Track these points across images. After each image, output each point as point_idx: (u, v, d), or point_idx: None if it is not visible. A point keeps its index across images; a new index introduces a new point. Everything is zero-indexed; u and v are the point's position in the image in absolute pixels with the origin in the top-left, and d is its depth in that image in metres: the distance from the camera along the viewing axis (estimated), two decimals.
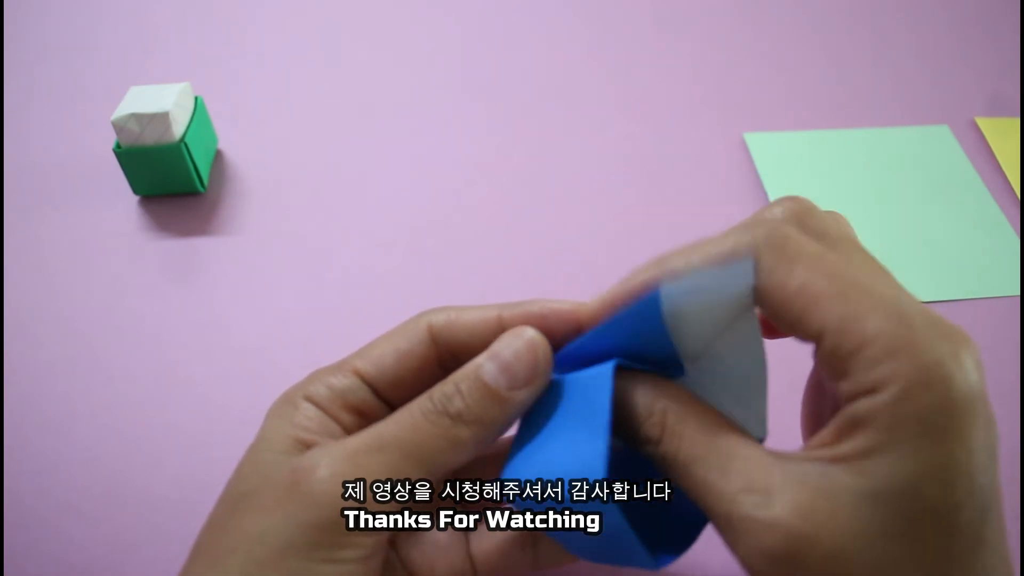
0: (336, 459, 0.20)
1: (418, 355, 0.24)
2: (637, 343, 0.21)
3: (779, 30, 0.54)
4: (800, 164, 0.44)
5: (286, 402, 0.23)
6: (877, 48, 0.52)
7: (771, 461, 0.19)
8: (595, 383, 0.21)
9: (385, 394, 0.24)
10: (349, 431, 0.23)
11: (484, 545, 0.24)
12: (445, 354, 0.24)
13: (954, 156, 0.45)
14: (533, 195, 0.42)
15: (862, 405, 0.17)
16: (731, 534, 0.18)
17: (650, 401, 0.21)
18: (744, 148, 0.45)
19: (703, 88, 0.49)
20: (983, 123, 0.47)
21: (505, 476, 0.23)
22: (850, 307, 0.18)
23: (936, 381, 0.17)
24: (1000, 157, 0.44)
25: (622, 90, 0.49)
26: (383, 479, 0.20)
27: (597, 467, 0.20)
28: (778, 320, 0.19)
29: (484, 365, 0.22)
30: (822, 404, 0.23)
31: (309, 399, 0.23)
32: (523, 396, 0.22)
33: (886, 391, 0.17)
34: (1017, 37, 0.53)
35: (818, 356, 0.19)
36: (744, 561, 0.18)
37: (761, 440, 0.21)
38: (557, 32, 0.53)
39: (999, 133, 0.46)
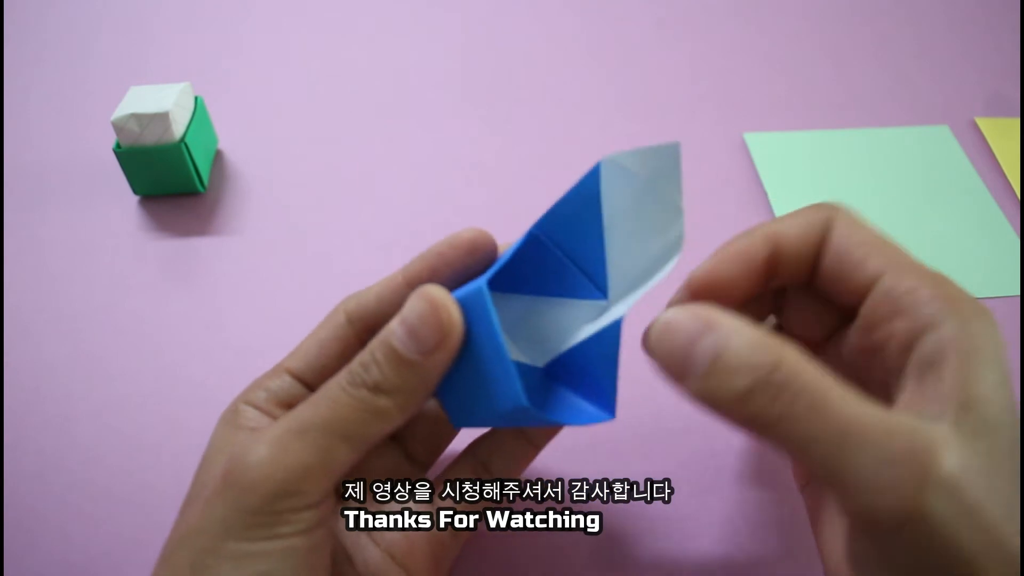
0: (262, 444, 0.21)
1: (337, 339, 0.25)
2: (569, 235, 0.23)
3: (779, 30, 0.54)
4: (800, 164, 0.44)
5: (231, 410, 0.24)
6: (877, 48, 0.52)
7: (885, 421, 0.18)
8: (475, 302, 0.21)
9: (315, 386, 0.25)
10: None
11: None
12: (363, 332, 0.25)
13: (954, 156, 0.45)
14: (533, 195, 0.42)
15: (929, 343, 0.19)
16: (888, 467, 0.17)
17: (756, 331, 0.19)
18: (744, 148, 0.45)
19: (703, 88, 0.49)
20: (983, 123, 0.47)
21: (453, 423, 0.23)
22: (902, 262, 0.21)
23: (979, 322, 0.19)
24: (1000, 157, 0.44)
25: (622, 90, 0.49)
26: (317, 461, 0.21)
27: (517, 394, 0.20)
28: (839, 265, 0.22)
29: (395, 330, 0.21)
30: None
31: (249, 404, 0.24)
32: (438, 359, 0.21)
33: (949, 323, 0.19)
34: (1017, 37, 0.53)
35: (868, 300, 0.21)
36: (898, 497, 0.17)
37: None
38: (557, 32, 0.53)
39: (999, 133, 0.46)
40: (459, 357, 0.22)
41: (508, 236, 0.40)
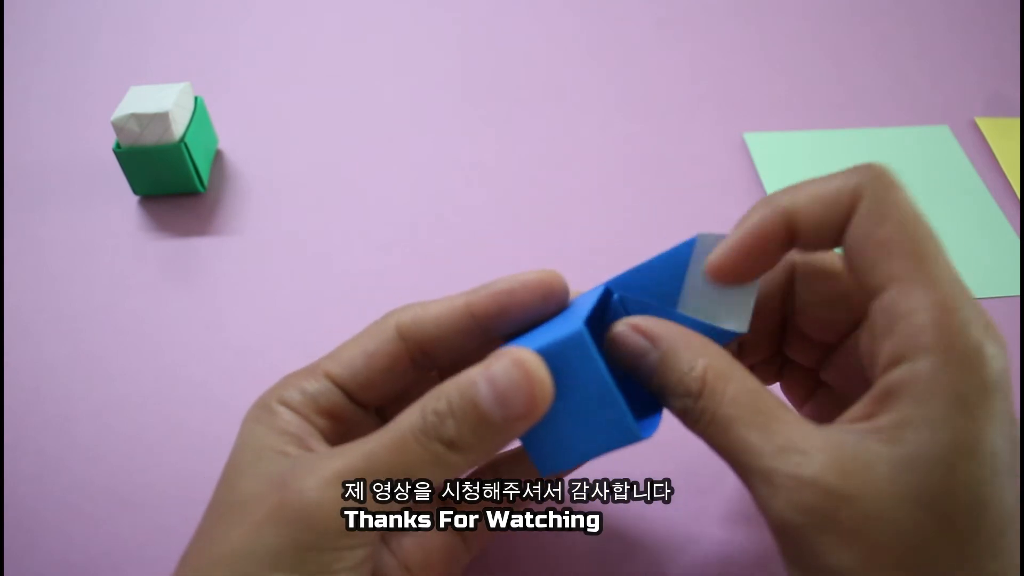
0: (323, 483, 0.20)
1: (387, 354, 0.24)
2: (643, 294, 0.23)
3: (779, 30, 0.54)
4: (800, 164, 0.44)
5: (263, 407, 0.23)
6: (877, 48, 0.52)
7: (810, 426, 0.19)
8: (583, 300, 0.22)
9: (357, 396, 0.24)
10: (326, 436, 0.23)
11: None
12: (416, 351, 0.24)
13: (954, 156, 0.45)
14: (533, 195, 0.42)
15: (898, 374, 0.18)
16: (768, 489, 0.19)
17: (692, 356, 0.21)
18: (744, 148, 0.45)
19: (703, 88, 0.49)
20: (983, 123, 0.47)
21: (541, 470, 0.23)
22: (918, 272, 0.19)
23: (975, 361, 0.18)
24: (1000, 157, 0.44)
25: (622, 90, 0.49)
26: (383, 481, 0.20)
27: (577, 324, 0.20)
28: (853, 260, 0.20)
29: (479, 387, 0.20)
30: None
31: (284, 404, 0.23)
32: (521, 426, 0.20)
33: (924, 360, 0.18)
34: (1017, 37, 0.53)
35: (871, 310, 0.20)
36: (778, 517, 0.19)
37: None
38: (557, 32, 0.53)
39: (999, 133, 0.46)
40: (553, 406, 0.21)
41: (508, 236, 0.40)
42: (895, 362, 0.19)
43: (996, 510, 0.17)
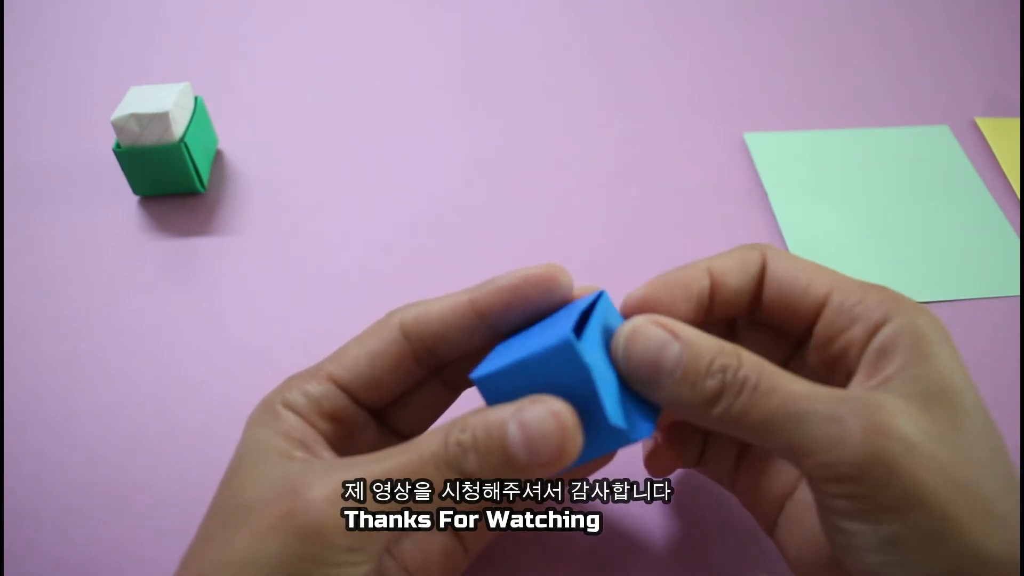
0: (333, 496, 0.20)
1: (392, 354, 0.24)
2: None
3: (779, 30, 0.54)
4: (800, 164, 0.44)
5: (266, 410, 0.23)
6: (877, 48, 0.52)
7: (834, 393, 0.20)
8: (580, 301, 0.23)
9: (361, 398, 0.24)
10: (329, 440, 0.23)
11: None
12: (420, 349, 0.24)
13: (954, 156, 0.45)
14: (533, 195, 0.42)
15: (882, 336, 0.21)
16: (838, 426, 0.19)
17: (714, 344, 0.21)
18: (744, 148, 0.45)
19: (703, 88, 0.49)
20: (983, 123, 0.47)
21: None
22: (842, 280, 0.23)
23: (926, 314, 0.22)
24: (1000, 157, 0.44)
25: (622, 90, 0.49)
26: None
27: (565, 331, 0.20)
28: (784, 295, 0.24)
29: (509, 428, 0.20)
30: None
31: (288, 407, 0.23)
32: (542, 474, 0.20)
33: (898, 318, 0.21)
34: (1017, 37, 0.53)
35: (822, 318, 0.23)
36: (852, 447, 0.19)
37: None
38: (557, 32, 0.53)
39: (999, 133, 0.46)
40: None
41: (508, 236, 0.40)
42: (873, 332, 0.22)
43: (984, 411, 0.21)
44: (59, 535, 0.29)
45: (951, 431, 0.20)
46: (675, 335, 0.21)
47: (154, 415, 0.32)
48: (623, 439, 0.21)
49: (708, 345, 0.21)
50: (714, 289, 0.24)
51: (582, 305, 0.23)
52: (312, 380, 0.23)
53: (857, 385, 0.21)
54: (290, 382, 0.24)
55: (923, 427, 0.19)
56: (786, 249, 0.39)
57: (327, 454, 0.22)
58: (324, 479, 0.20)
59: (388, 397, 0.25)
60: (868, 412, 0.19)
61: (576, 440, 0.20)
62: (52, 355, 0.34)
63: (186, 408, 0.33)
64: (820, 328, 0.23)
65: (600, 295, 0.24)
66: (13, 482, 0.30)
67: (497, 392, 0.21)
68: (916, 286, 0.38)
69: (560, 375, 0.21)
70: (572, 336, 0.20)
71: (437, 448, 0.20)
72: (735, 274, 0.24)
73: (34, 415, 0.32)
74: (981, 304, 0.37)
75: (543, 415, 0.20)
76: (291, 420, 0.23)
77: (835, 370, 0.23)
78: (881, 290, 0.23)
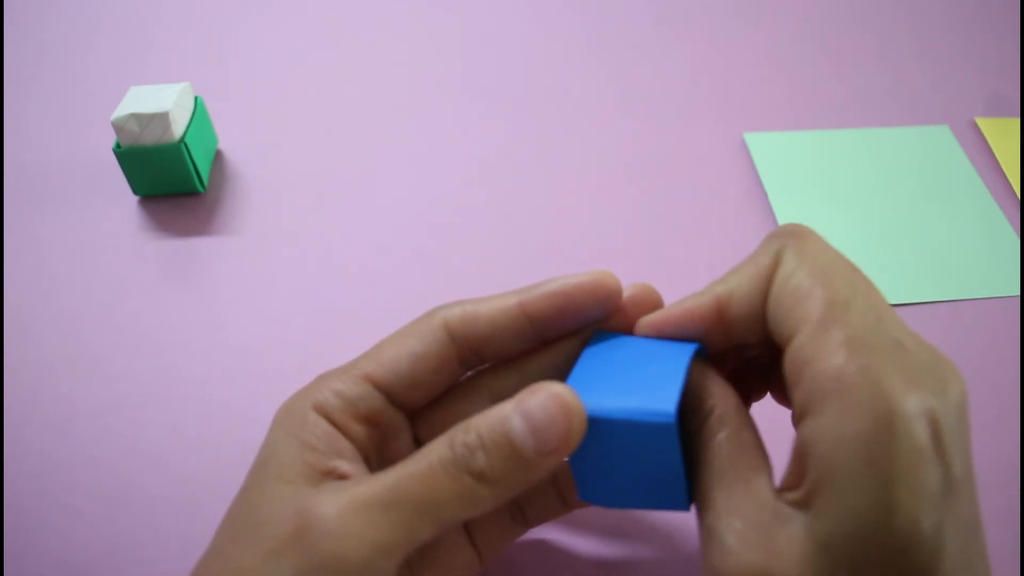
0: (346, 512, 0.19)
1: (436, 356, 0.23)
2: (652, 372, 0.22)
3: (779, 30, 0.54)
4: (800, 164, 0.44)
5: (292, 413, 0.22)
6: (877, 48, 0.52)
7: (767, 500, 0.19)
8: (674, 352, 0.22)
9: (399, 399, 0.23)
10: (360, 444, 0.22)
11: (485, 530, 0.24)
12: (465, 351, 0.23)
13: (954, 156, 0.45)
14: (533, 195, 0.42)
15: (806, 429, 0.18)
16: (707, 547, 0.19)
17: (713, 400, 0.21)
18: (744, 148, 0.45)
19: (703, 88, 0.49)
20: (983, 123, 0.47)
21: (580, 495, 0.23)
22: (829, 315, 0.18)
23: (884, 415, 0.16)
24: (1000, 157, 0.44)
25: (622, 90, 0.49)
26: (401, 539, 0.19)
27: (670, 409, 0.20)
28: (772, 316, 0.20)
29: (512, 420, 0.20)
30: None
31: (318, 409, 0.22)
32: (552, 461, 0.20)
33: (826, 414, 0.17)
34: (1017, 37, 0.53)
35: (783, 359, 0.19)
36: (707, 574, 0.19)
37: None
38: (557, 32, 0.53)
39: (999, 133, 0.46)
40: (614, 447, 0.21)
41: (509, 236, 0.40)
42: (801, 416, 0.18)
43: (916, 573, 0.16)
44: (59, 535, 0.29)
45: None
46: None
47: (154, 415, 0.32)
48: (681, 508, 0.21)
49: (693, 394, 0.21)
50: (724, 319, 0.22)
51: (684, 358, 0.22)
52: (347, 379, 0.22)
53: (785, 483, 0.19)
54: (322, 380, 0.23)
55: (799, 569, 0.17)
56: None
57: (352, 467, 0.22)
58: (335, 496, 0.20)
59: (426, 399, 0.24)
60: (747, 567, 0.18)
61: (581, 420, 0.20)
62: (52, 355, 0.34)
63: (186, 408, 0.33)
64: (783, 368, 0.20)
65: (698, 348, 0.22)
66: (13, 482, 0.30)
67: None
68: (916, 286, 0.38)
69: (645, 442, 0.20)
70: (675, 420, 0.20)
71: (444, 453, 0.20)
72: (743, 298, 0.21)
73: (34, 415, 0.32)
74: (981, 304, 0.37)
75: (544, 400, 0.19)
76: (319, 427, 0.22)
77: None
78: (853, 353, 0.17)
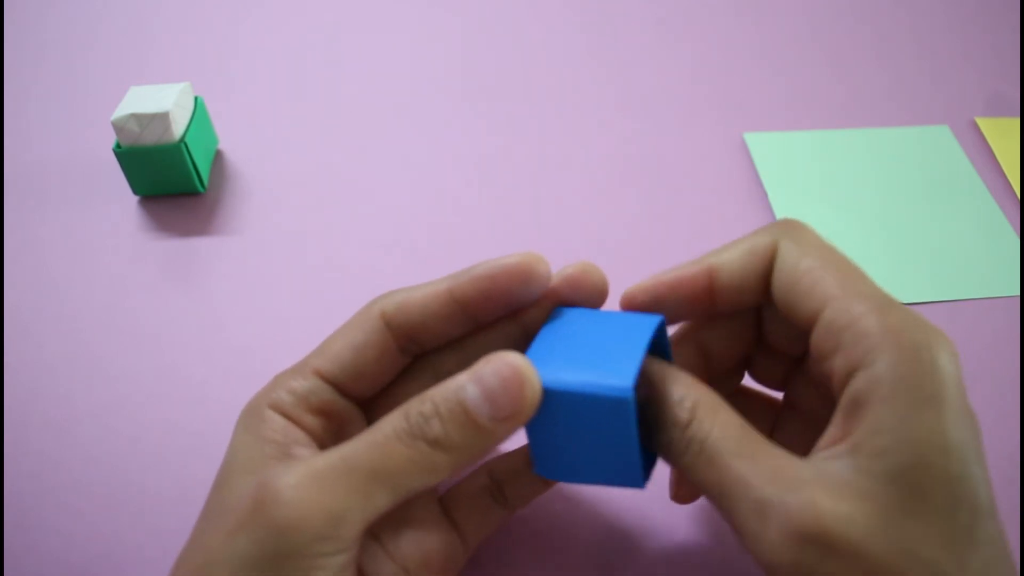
0: (301, 481, 0.20)
1: (375, 344, 0.23)
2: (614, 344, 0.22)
3: (779, 30, 0.54)
4: (800, 164, 0.44)
5: (251, 413, 0.23)
6: (877, 48, 0.52)
7: (797, 458, 0.19)
8: (635, 327, 0.22)
9: (348, 390, 0.24)
10: (316, 435, 0.23)
11: (466, 512, 0.24)
12: (403, 339, 0.24)
13: (954, 156, 0.45)
14: (533, 195, 0.42)
15: (859, 381, 0.19)
16: (760, 522, 0.19)
17: (683, 389, 0.21)
18: (744, 148, 0.45)
19: (703, 88, 0.49)
20: (983, 123, 0.47)
21: (537, 469, 0.23)
22: (848, 289, 0.20)
23: (924, 355, 0.18)
24: (1000, 157, 0.44)
25: (622, 90, 0.49)
26: (357, 506, 0.20)
27: (626, 384, 0.20)
28: (784, 298, 0.22)
29: (467, 388, 0.20)
30: None
31: (273, 407, 0.23)
32: (508, 428, 0.20)
33: (880, 362, 0.19)
34: (1017, 37, 0.53)
35: (814, 333, 0.21)
36: (773, 550, 0.18)
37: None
38: (557, 32, 0.53)
39: (999, 133, 0.46)
40: (571, 420, 0.21)
41: (509, 236, 0.40)
42: (851, 372, 0.19)
43: (968, 500, 0.18)
44: (59, 535, 0.29)
45: (909, 522, 0.17)
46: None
47: (154, 415, 0.32)
48: (636, 484, 0.21)
49: (672, 390, 0.21)
50: (713, 287, 0.23)
51: (646, 333, 0.22)
52: (298, 376, 0.23)
53: (827, 441, 0.20)
54: (277, 381, 0.24)
55: (867, 525, 0.17)
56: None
57: (310, 452, 0.22)
58: (291, 468, 0.20)
59: (374, 388, 0.24)
60: (797, 509, 0.18)
61: (535, 387, 0.20)
62: (52, 355, 0.34)
63: (186, 408, 0.33)
64: (812, 343, 0.21)
65: (660, 323, 0.23)
66: (13, 482, 0.30)
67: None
68: (916, 286, 0.38)
69: (600, 415, 0.21)
70: (632, 395, 0.20)
71: (399, 423, 0.20)
72: (736, 273, 0.23)
73: (34, 415, 0.32)
74: (981, 304, 0.37)
75: (497, 366, 0.20)
76: (275, 422, 0.22)
77: (827, 393, 0.22)
78: (883, 311, 0.19)
